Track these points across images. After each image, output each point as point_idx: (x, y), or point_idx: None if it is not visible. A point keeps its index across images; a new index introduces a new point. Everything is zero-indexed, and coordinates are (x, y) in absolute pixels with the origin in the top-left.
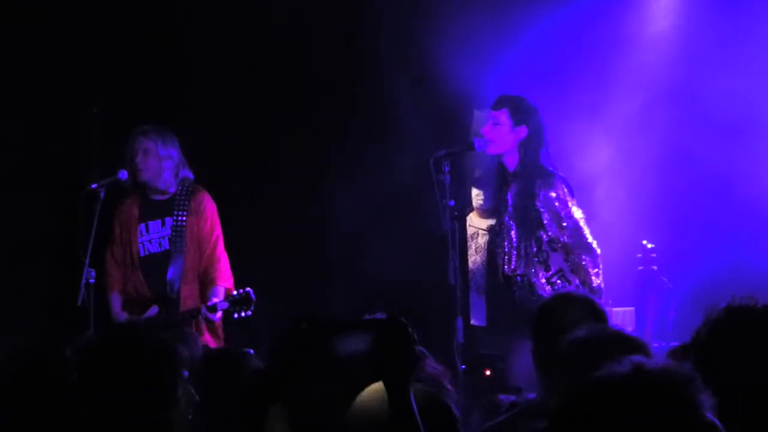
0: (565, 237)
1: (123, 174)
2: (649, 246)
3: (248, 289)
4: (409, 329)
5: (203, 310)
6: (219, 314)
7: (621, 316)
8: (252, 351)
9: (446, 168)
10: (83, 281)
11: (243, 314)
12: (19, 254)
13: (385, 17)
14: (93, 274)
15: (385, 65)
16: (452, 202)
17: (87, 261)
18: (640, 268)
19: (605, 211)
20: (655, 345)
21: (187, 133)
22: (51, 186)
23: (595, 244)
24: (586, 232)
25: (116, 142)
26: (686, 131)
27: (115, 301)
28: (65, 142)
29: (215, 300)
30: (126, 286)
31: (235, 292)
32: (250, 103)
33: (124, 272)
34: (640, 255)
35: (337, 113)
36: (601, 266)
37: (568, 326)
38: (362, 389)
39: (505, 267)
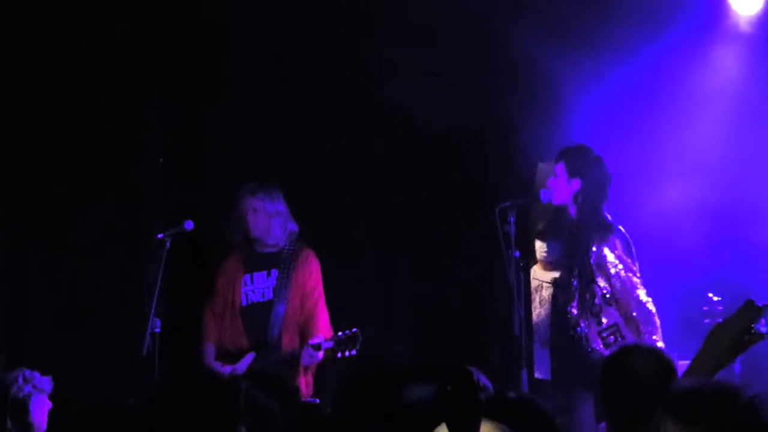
0: (616, 293)
1: (189, 224)
2: (716, 299)
3: (355, 329)
4: (474, 377)
5: (307, 349)
6: (321, 354)
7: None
8: (317, 400)
9: (512, 219)
10: (148, 330)
11: (348, 353)
12: (85, 304)
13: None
14: (158, 323)
15: (450, 117)
16: (517, 253)
17: (153, 310)
18: (707, 321)
19: (672, 261)
20: None
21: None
22: (118, 236)
23: (649, 304)
24: (640, 291)
25: (179, 192)
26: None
27: (210, 351)
28: (129, 191)
29: (317, 340)
30: (221, 337)
31: (340, 333)
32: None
33: (221, 324)
34: (706, 308)
35: (409, 154)
36: (658, 325)
37: (636, 377)
38: None
39: (572, 320)
